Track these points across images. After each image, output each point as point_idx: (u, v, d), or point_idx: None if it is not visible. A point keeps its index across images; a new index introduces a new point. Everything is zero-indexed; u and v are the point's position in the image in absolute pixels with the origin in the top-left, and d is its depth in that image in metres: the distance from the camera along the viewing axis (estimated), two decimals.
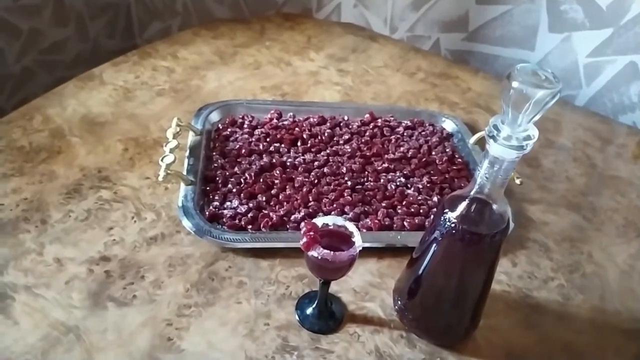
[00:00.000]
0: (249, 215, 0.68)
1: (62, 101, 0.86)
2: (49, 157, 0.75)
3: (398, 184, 0.76)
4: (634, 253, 0.73)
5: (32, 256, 0.61)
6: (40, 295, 0.57)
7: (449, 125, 0.91)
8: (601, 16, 1.06)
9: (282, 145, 0.81)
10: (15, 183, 0.70)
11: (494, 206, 0.49)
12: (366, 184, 0.76)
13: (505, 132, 0.44)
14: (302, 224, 0.64)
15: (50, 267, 0.60)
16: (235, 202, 0.69)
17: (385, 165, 0.79)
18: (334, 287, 0.61)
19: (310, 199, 0.71)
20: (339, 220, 0.54)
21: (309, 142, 0.82)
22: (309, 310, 0.59)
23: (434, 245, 0.53)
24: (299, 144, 0.82)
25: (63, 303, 0.57)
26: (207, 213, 0.68)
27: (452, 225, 0.50)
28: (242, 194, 0.71)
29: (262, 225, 0.67)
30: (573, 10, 1.09)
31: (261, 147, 0.79)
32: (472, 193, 0.49)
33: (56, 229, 0.65)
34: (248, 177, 0.73)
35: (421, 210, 0.72)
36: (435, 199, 0.74)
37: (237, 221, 0.67)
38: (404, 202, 0.73)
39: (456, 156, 0.84)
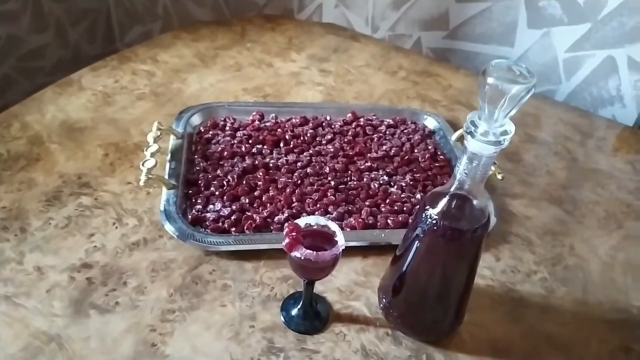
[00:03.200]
0: (232, 217, 0.68)
1: (41, 107, 0.85)
2: (28, 164, 0.74)
3: (381, 182, 0.77)
4: (615, 244, 0.74)
5: (12, 265, 0.60)
6: (20, 304, 0.56)
7: (430, 123, 0.92)
8: (579, 11, 1.07)
9: (265, 147, 0.80)
10: None
11: (475, 201, 0.50)
12: (349, 183, 0.76)
13: (483, 127, 0.44)
14: (285, 224, 0.64)
15: (31, 276, 0.59)
16: (218, 205, 0.69)
17: (368, 164, 0.79)
18: (318, 287, 0.61)
19: (294, 200, 0.71)
20: (322, 220, 0.54)
21: (292, 142, 0.82)
22: (294, 311, 0.59)
23: (417, 242, 0.53)
24: (281, 145, 0.82)
25: (44, 312, 0.56)
26: (189, 217, 0.67)
27: (434, 221, 0.50)
28: (225, 197, 0.70)
29: (245, 228, 0.67)
30: (551, 6, 1.10)
31: (243, 149, 0.79)
32: (452, 189, 0.50)
33: (36, 237, 0.64)
34: (231, 180, 0.73)
35: (404, 208, 0.72)
36: (418, 196, 0.75)
37: (220, 224, 0.67)
38: (387, 200, 0.73)
39: (438, 153, 0.84)
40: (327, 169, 0.77)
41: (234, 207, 0.69)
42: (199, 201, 0.70)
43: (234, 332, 0.56)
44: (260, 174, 0.75)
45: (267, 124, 0.86)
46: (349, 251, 0.59)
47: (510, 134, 0.44)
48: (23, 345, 0.53)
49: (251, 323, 0.58)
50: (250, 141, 0.81)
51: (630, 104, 1.08)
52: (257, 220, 0.67)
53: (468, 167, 0.47)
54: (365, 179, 0.77)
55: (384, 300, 0.59)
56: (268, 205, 0.70)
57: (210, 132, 0.82)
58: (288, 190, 0.72)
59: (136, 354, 0.53)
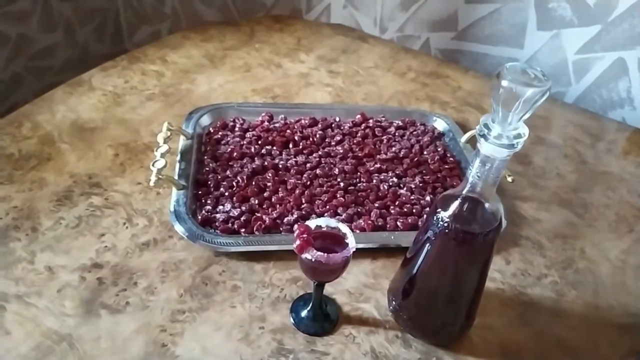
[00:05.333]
0: (242, 218, 0.68)
1: (51, 107, 0.86)
2: (39, 164, 0.74)
3: (390, 184, 0.76)
4: (626, 248, 0.74)
5: (23, 265, 0.61)
6: (32, 304, 0.57)
7: (440, 125, 0.91)
8: (589, 13, 1.07)
9: (274, 148, 0.80)
10: (4, 191, 0.69)
11: (487, 205, 0.50)
12: (359, 184, 0.76)
13: (496, 131, 0.44)
14: (295, 226, 0.64)
15: (42, 276, 0.60)
16: (228, 206, 0.69)
17: (378, 165, 0.79)
18: (328, 288, 0.61)
19: (303, 201, 0.71)
20: (332, 222, 0.53)
21: (301, 144, 0.82)
22: (304, 313, 0.59)
23: (428, 244, 0.53)
24: (290, 146, 0.82)
25: (55, 311, 0.56)
26: (199, 217, 0.67)
27: (445, 224, 0.50)
28: (234, 198, 0.70)
29: (255, 229, 0.67)
30: (561, 7, 1.10)
31: (253, 150, 0.79)
32: (464, 192, 0.49)
33: (47, 236, 0.64)
34: (240, 181, 0.73)
35: (414, 210, 0.72)
36: (427, 198, 0.74)
37: (230, 225, 0.67)
38: (396, 202, 0.73)
39: (448, 155, 0.84)
40: (337, 170, 0.77)
41: (243, 208, 0.69)
42: (208, 202, 0.70)
43: (244, 333, 0.56)
44: (270, 175, 0.75)
45: (276, 125, 0.86)
46: (358, 253, 0.58)
47: (524, 137, 0.44)
48: (34, 345, 0.53)
49: (261, 324, 0.58)
50: (259, 142, 0.81)
51: None
52: (267, 222, 0.67)
53: (480, 170, 0.47)
54: (374, 181, 0.77)
55: (393, 302, 0.59)
56: (277, 206, 0.70)
57: (220, 133, 0.82)
58: (297, 191, 0.72)
59: (146, 355, 0.53)
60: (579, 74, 1.13)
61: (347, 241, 0.52)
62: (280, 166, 0.77)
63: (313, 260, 0.50)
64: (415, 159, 0.82)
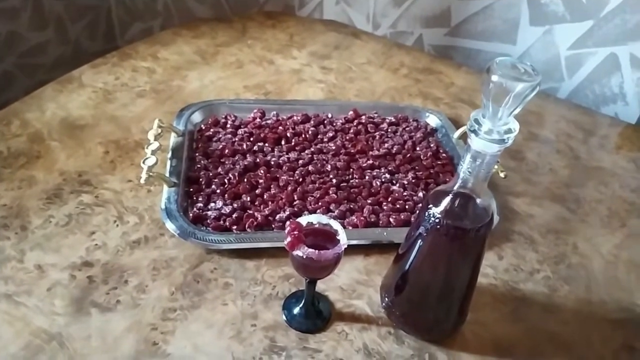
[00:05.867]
0: (234, 215, 0.67)
1: (41, 105, 0.85)
2: (28, 162, 0.74)
3: (383, 180, 0.76)
4: (618, 243, 0.74)
5: (13, 263, 0.60)
6: (21, 303, 0.56)
7: (432, 121, 0.91)
8: (581, 8, 1.07)
9: (266, 145, 0.80)
10: None
11: (478, 200, 0.49)
12: (351, 181, 0.75)
13: (487, 126, 0.44)
14: (287, 223, 0.64)
15: (32, 274, 0.59)
16: (220, 203, 0.69)
17: (370, 162, 0.79)
18: (320, 285, 0.61)
19: (295, 198, 0.71)
20: (324, 219, 0.53)
21: (293, 140, 0.81)
22: (296, 310, 0.58)
23: (419, 240, 0.53)
24: (282, 142, 0.81)
25: (45, 310, 0.56)
26: (191, 215, 0.67)
27: (437, 220, 0.50)
28: (226, 195, 0.70)
29: (247, 226, 0.66)
30: (553, 3, 1.10)
31: (245, 146, 0.79)
32: (455, 188, 0.49)
33: (37, 235, 0.64)
34: (232, 178, 0.73)
35: (407, 206, 0.72)
36: (420, 194, 0.74)
37: (221, 222, 0.67)
38: (389, 199, 0.73)
39: (440, 151, 0.84)
40: (329, 167, 0.77)
41: (235, 205, 0.69)
42: (200, 199, 0.69)
43: (236, 331, 0.56)
44: (262, 171, 0.74)
45: (269, 121, 0.85)
46: (350, 250, 0.58)
47: (515, 132, 0.44)
48: (24, 344, 0.52)
49: (253, 322, 0.57)
50: (251, 139, 0.81)
51: (632, 101, 1.08)
52: (259, 219, 0.67)
53: (471, 166, 0.47)
54: (367, 177, 0.76)
55: (386, 299, 0.59)
56: (269, 203, 0.70)
57: (211, 130, 0.82)
58: (289, 188, 0.72)
59: (137, 353, 0.53)
60: (572, 70, 1.13)
61: (338, 238, 0.52)
62: (272, 163, 0.77)
63: (304, 257, 0.50)
64: (408, 155, 0.81)
